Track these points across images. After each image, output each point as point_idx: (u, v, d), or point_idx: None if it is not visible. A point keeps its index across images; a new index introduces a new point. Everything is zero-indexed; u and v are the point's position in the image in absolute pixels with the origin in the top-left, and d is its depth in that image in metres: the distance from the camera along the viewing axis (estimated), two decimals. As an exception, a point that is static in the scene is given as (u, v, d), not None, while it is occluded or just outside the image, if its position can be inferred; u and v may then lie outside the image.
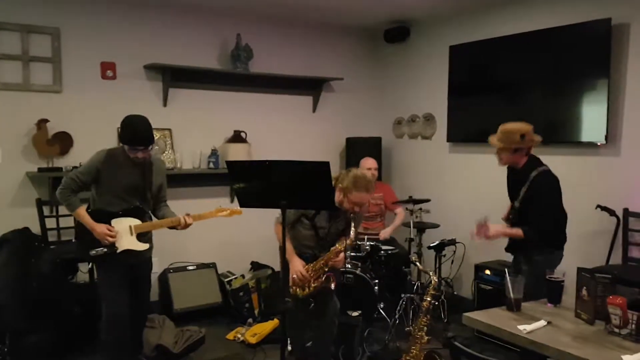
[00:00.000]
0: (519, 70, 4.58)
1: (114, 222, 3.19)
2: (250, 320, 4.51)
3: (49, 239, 4.22)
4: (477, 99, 4.96)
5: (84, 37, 4.46)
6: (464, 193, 5.08)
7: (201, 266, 4.84)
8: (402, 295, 4.31)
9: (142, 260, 3.35)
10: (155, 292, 4.58)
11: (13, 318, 3.63)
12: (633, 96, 3.93)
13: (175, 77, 4.80)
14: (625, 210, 3.95)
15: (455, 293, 4.93)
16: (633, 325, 2.19)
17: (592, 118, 4.07)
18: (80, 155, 4.21)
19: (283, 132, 5.42)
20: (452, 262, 4.85)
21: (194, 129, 4.96)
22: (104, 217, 3.18)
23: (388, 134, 5.92)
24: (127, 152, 3.18)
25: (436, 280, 3.33)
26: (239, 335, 4.27)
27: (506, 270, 2.76)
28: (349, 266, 4.20)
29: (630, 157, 3.94)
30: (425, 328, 3.15)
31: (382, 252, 4.49)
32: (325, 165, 2.73)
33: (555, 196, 3.15)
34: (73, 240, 3.43)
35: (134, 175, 3.24)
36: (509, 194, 3.30)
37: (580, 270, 2.49)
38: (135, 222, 3.24)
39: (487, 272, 4.36)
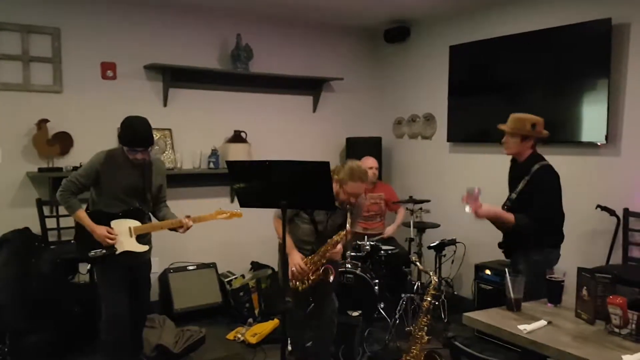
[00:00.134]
0: (519, 70, 4.58)
1: (113, 223, 3.18)
2: (250, 320, 4.51)
3: (49, 239, 4.22)
4: (477, 99, 4.96)
5: (84, 37, 4.46)
6: (464, 193, 5.07)
7: (201, 266, 4.84)
8: (402, 295, 4.31)
9: (141, 262, 3.34)
10: (156, 292, 4.59)
11: (13, 318, 3.64)
12: (633, 96, 3.93)
13: (175, 77, 4.80)
14: (626, 210, 3.95)
15: (455, 293, 4.93)
16: (633, 325, 2.19)
17: (592, 118, 4.07)
18: (81, 156, 4.22)
19: (283, 132, 5.42)
20: (452, 262, 4.86)
21: (194, 129, 4.96)
22: (104, 218, 3.18)
23: (388, 134, 5.92)
24: (126, 153, 3.17)
25: (436, 280, 3.33)
26: (239, 335, 4.27)
27: (506, 270, 2.75)
28: (349, 266, 4.20)
29: (630, 157, 3.94)
30: (425, 328, 3.15)
31: (382, 252, 4.49)
32: (325, 166, 2.74)
33: (554, 191, 3.14)
34: (72, 242, 3.42)
35: (133, 176, 3.23)
36: (509, 187, 3.30)
37: (580, 270, 2.48)
38: (134, 223, 3.24)
39: (487, 272, 4.36)
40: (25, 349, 3.59)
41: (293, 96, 5.52)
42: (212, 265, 4.89)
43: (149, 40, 4.72)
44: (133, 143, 3.12)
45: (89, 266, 3.92)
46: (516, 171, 3.25)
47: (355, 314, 3.97)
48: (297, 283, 3.18)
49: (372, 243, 4.48)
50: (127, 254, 3.21)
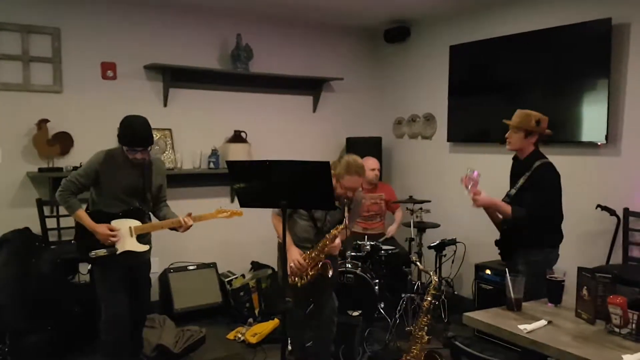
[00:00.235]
0: (519, 70, 4.58)
1: (113, 223, 3.18)
2: (250, 320, 4.51)
3: (50, 239, 4.22)
4: (477, 99, 4.96)
5: (84, 37, 4.46)
6: (464, 193, 5.07)
7: (202, 266, 4.84)
8: (403, 295, 4.30)
9: (141, 261, 3.34)
10: (156, 292, 4.59)
11: (13, 318, 3.64)
12: (633, 96, 3.93)
13: (175, 77, 4.80)
14: (626, 210, 3.95)
15: (455, 293, 4.92)
16: (633, 325, 2.19)
17: (592, 118, 4.07)
18: (81, 156, 4.22)
19: (283, 132, 5.42)
20: (452, 262, 4.85)
21: (194, 129, 4.96)
22: (104, 218, 3.17)
23: (388, 134, 5.92)
24: (126, 153, 3.17)
25: (436, 280, 3.33)
26: (240, 335, 4.27)
27: (506, 270, 2.75)
28: (349, 266, 4.20)
29: (630, 156, 3.94)
30: (425, 328, 3.15)
31: (382, 252, 4.49)
32: (325, 166, 2.74)
33: (554, 189, 3.14)
34: (73, 242, 3.42)
35: (133, 176, 3.23)
36: (510, 185, 3.29)
37: (580, 270, 2.49)
38: (135, 223, 3.23)
39: (488, 271, 4.36)
40: (26, 349, 3.59)
41: (293, 96, 5.52)
42: (213, 265, 4.89)
43: (149, 40, 4.72)
44: (132, 143, 3.12)
45: (89, 266, 3.92)
46: (517, 168, 3.25)
47: (356, 313, 3.97)
48: (296, 279, 3.19)
49: (372, 243, 4.47)
50: (128, 253, 3.21)
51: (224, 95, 5.12)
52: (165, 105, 4.84)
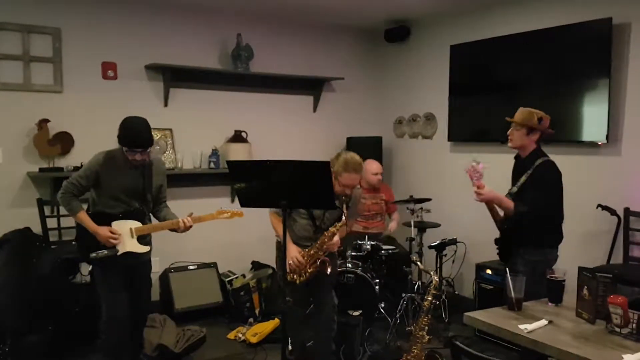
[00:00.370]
0: (519, 69, 4.58)
1: (114, 224, 3.18)
2: (251, 319, 4.51)
3: (50, 239, 4.23)
4: (477, 99, 4.96)
5: (84, 37, 4.46)
6: (464, 192, 5.03)
7: (202, 266, 4.84)
8: (403, 295, 4.31)
9: (141, 262, 3.34)
10: (156, 291, 4.59)
11: (14, 318, 3.63)
12: (634, 95, 3.93)
13: (176, 77, 4.80)
14: (626, 210, 3.95)
15: (456, 293, 4.92)
16: (634, 325, 2.19)
17: (593, 117, 4.07)
18: (81, 156, 4.22)
19: (284, 132, 5.42)
20: (453, 262, 4.85)
21: (194, 129, 4.96)
22: (104, 219, 3.17)
23: (389, 134, 5.92)
24: (125, 154, 3.17)
25: (437, 279, 3.33)
26: (240, 335, 4.27)
27: (507, 269, 2.75)
28: (350, 266, 4.20)
29: (631, 156, 3.94)
30: (426, 328, 3.15)
31: (382, 251, 4.49)
32: (325, 165, 2.75)
33: (555, 188, 3.14)
34: (73, 242, 3.42)
35: (133, 177, 3.23)
36: (512, 183, 3.29)
37: (581, 269, 2.48)
38: (135, 224, 3.23)
39: (488, 271, 4.36)
40: (26, 349, 3.59)
41: (293, 96, 5.52)
42: (213, 265, 4.89)
43: (149, 40, 4.72)
44: (132, 144, 3.11)
45: (90, 267, 3.93)
46: (519, 167, 3.24)
47: (356, 313, 3.97)
48: (295, 276, 3.19)
49: (373, 243, 4.47)
50: (128, 254, 3.21)
51: (224, 95, 5.12)
52: (165, 105, 4.84)
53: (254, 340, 4.16)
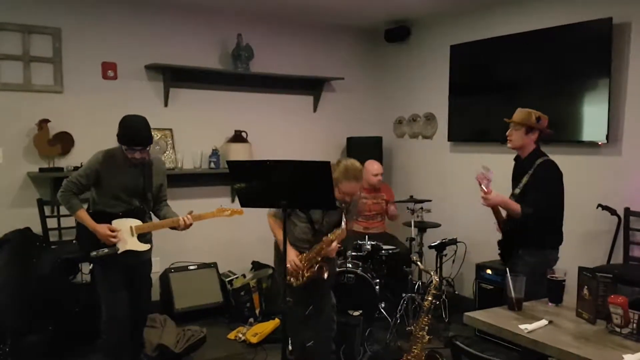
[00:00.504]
0: (519, 69, 4.58)
1: (114, 223, 3.18)
2: (251, 319, 4.51)
3: (50, 239, 4.23)
4: (477, 99, 4.96)
5: (85, 38, 4.46)
6: (465, 192, 5.08)
7: (202, 266, 4.84)
8: (403, 295, 4.31)
9: (142, 261, 3.34)
10: (157, 291, 4.59)
11: (14, 318, 3.63)
12: (634, 95, 3.93)
13: (176, 77, 4.80)
14: (627, 210, 3.95)
15: (456, 292, 4.93)
16: (634, 325, 2.19)
17: (593, 117, 4.07)
18: (82, 156, 4.21)
19: (284, 131, 5.42)
20: (453, 262, 4.85)
21: (194, 129, 4.96)
22: (105, 218, 3.17)
23: (389, 134, 5.92)
24: (125, 153, 3.17)
25: (437, 279, 3.33)
26: (240, 335, 4.27)
27: (507, 269, 2.75)
28: (350, 266, 4.20)
29: (631, 156, 3.94)
30: (426, 328, 3.15)
31: (383, 251, 4.49)
32: (325, 165, 2.74)
33: (556, 188, 3.14)
34: (74, 242, 3.42)
35: (133, 176, 3.23)
36: (513, 186, 3.29)
37: (581, 269, 2.48)
38: (135, 222, 3.23)
39: (488, 271, 4.36)
40: (26, 349, 3.59)
41: (294, 96, 5.52)
42: (213, 265, 4.90)
43: (149, 40, 4.72)
44: (131, 142, 3.11)
45: (91, 266, 3.92)
46: (519, 168, 3.24)
47: (356, 313, 3.97)
48: (292, 279, 3.19)
49: (373, 243, 4.47)
50: (129, 253, 3.21)
51: (224, 95, 5.12)
52: (165, 105, 4.84)
53: (254, 340, 4.16)
